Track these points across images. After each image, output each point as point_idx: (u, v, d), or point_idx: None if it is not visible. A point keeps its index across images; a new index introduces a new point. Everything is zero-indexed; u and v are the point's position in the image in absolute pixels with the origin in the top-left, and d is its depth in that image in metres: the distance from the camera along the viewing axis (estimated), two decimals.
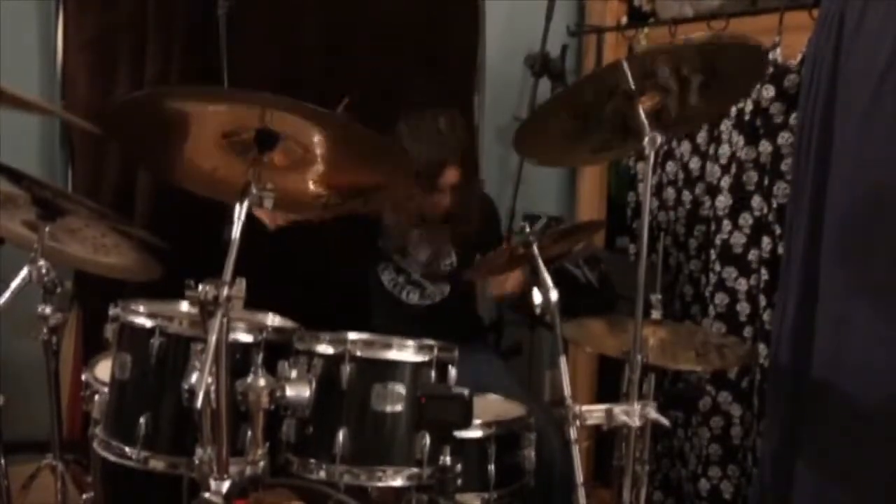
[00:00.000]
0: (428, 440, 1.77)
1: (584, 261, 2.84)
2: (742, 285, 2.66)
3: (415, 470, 1.78)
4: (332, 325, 1.90)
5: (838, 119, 2.21)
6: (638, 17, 3.23)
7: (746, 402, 2.66)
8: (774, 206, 2.56)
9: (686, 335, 2.29)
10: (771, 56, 2.55)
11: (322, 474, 1.78)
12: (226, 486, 1.49)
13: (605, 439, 2.08)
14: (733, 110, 2.66)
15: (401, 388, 1.79)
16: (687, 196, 2.90)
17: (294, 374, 1.78)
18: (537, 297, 1.94)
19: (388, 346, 1.82)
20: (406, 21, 3.06)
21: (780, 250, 2.50)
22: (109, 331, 1.90)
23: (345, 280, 2.80)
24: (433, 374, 1.81)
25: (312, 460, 1.79)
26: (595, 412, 1.85)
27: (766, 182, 2.59)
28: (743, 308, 2.66)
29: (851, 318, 2.14)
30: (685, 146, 2.90)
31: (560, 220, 3.35)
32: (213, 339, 1.42)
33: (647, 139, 1.79)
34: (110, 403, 1.85)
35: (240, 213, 1.53)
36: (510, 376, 2.60)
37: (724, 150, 2.72)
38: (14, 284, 1.95)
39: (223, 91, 2.13)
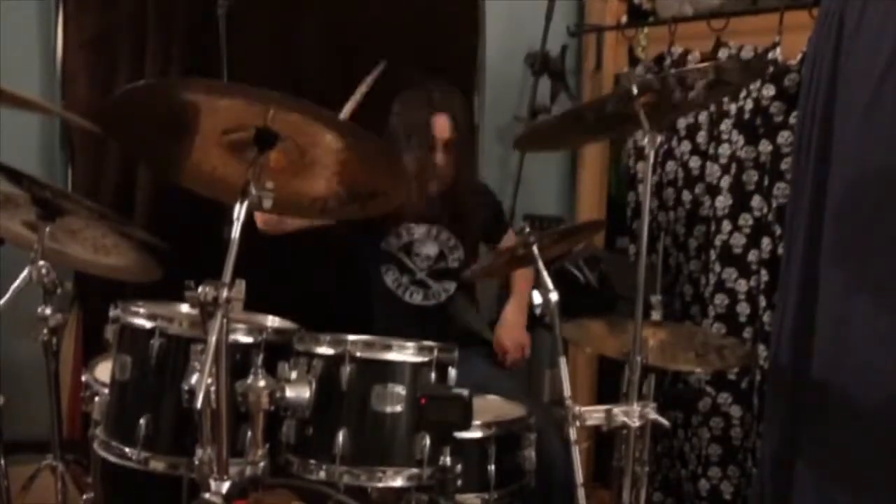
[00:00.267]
0: (428, 441, 1.77)
1: (584, 261, 2.84)
2: (742, 286, 2.66)
3: (415, 470, 1.77)
4: (333, 327, 1.90)
5: (838, 118, 2.21)
6: (638, 16, 3.22)
7: (746, 402, 2.66)
8: (774, 206, 2.57)
9: (686, 336, 2.29)
10: (771, 55, 2.55)
11: (322, 475, 1.77)
12: (226, 486, 1.49)
13: (604, 440, 2.07)
14: (733, 109, 2.67)
15: (401, 389, 1.79)
16: (687, 196, 2.90)
17: (294, 375, 1.78)
18: (537, 297, 1.94)
19: (388, 347, 1.82)
20: (406, 21, 3.06)
21: (780, 251, 2.50)
22: (109, 332, 1.89)
23: (346, 282, 2.80)
24: (433, 374, 1.81)
25: (312, 461, 1.79)
26: (595, 413, 1.86)
27: (765, 182, 2.59)
28: (743, 309, 2.66)
29: (851, 318, 2.14)
30: (685, 146, 2.90)
31: (560, 220, 3.36)
32: (212, 339, 1.42)
33: (647, 139, 1.79)
34: (110, 404, 1.85)
35: (239, 213, 1.52)
36: (510, 377, 2.60)
37: (724, 149, 2.72)
38: (14, 285, 1.95)
39: (229, 85, 2.12)
